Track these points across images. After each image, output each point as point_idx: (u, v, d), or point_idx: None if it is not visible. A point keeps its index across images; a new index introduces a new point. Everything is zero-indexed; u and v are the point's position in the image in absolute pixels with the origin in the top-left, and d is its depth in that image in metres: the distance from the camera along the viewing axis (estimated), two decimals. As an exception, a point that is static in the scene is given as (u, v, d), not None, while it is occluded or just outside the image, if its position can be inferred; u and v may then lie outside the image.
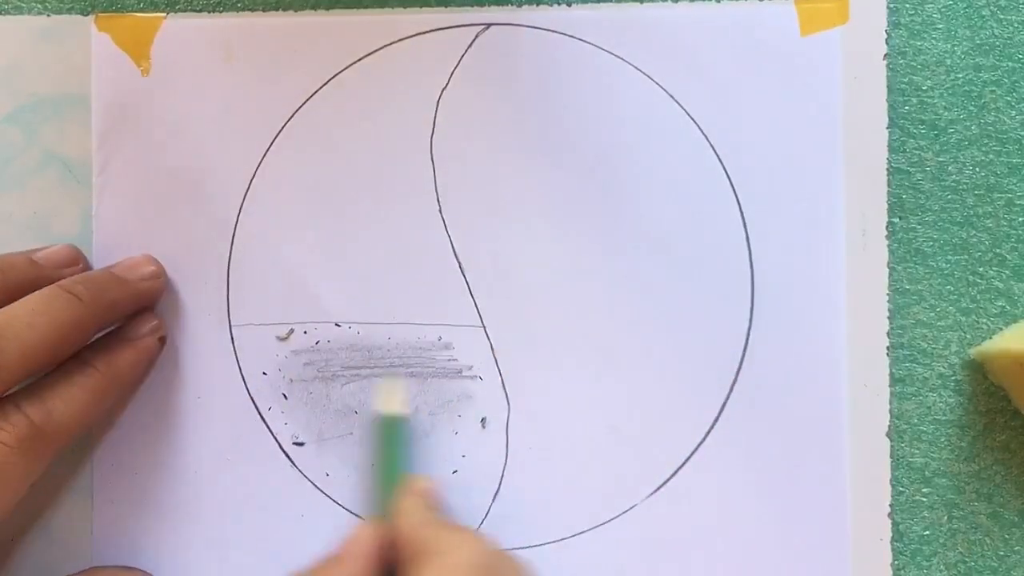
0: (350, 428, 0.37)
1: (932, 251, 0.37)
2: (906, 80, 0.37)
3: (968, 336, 0.37)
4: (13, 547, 0.37)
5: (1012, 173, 0.37)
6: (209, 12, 0.38)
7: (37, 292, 0.34)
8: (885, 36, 0.37)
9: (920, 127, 0.37)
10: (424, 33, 0.37)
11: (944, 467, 0.37)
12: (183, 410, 0.37)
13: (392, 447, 0.36)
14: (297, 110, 0.37)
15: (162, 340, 0.37)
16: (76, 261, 0.37)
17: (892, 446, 0.36)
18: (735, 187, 0.37)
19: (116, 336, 0.36)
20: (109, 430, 0.37)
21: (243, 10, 0.38)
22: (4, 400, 0.33)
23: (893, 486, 0.36)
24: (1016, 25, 0.37)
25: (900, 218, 0.37)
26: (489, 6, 0.37)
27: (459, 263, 0.37)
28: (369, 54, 0.37)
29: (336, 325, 0.37)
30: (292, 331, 0.37)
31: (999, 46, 0.37)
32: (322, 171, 0.37)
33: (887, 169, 0.37)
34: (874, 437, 0.36)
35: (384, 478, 0.36)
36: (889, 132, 0.37)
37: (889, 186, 0.37)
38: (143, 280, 0.37)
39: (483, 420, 0.37)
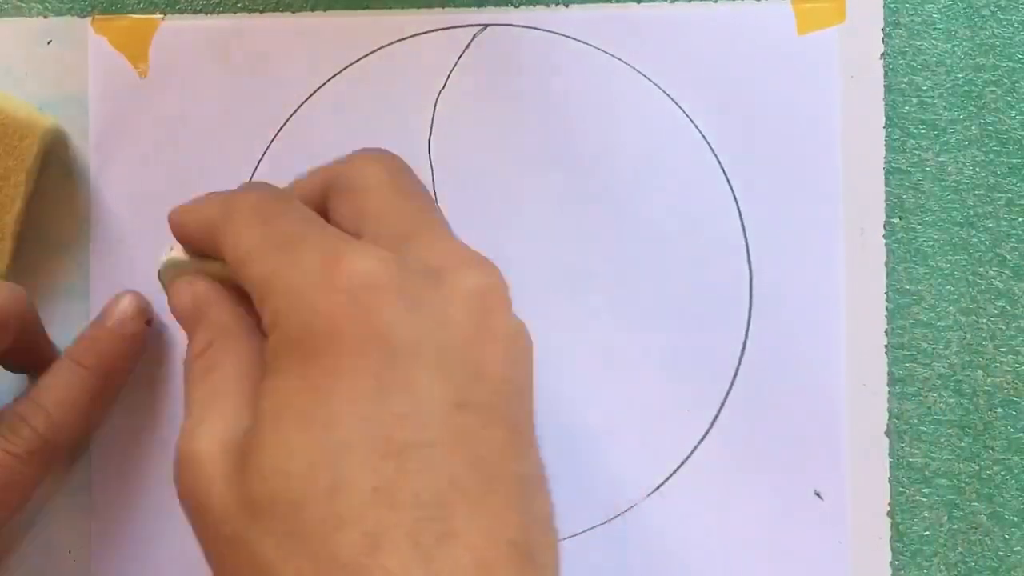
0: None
1: (932, 251, 0.37)
2: (906, 80, 0.37)
3: (968, 336, 0.37)
4: (12, 548, 0.37)
5: (1012, 173, 0.37)
6: (207, 13, 0.38)
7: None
8: (882, 35, 0.37)
9: (920, 127, 0.37)
10: (421, 34, 0.37)
11: (944, 467, 0.37)
12: (183, 411, 0.37)
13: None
14: (295, 111, 0.37)
15: (149, 323, 0.37)
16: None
17: (891, 446, 0.36)
18: (733, 186, 0.37)
19: (101, 327, 0.36)
20: (106, 429, 0.37)
21: (241, 11, 0.38)
22: (9, 412, 0.34)
23: (893, 486, 0.36)
24: (1016, 25, 0.37)
25: (900, 218, 0.37)
26: (486, 7, 0.37)
27: (458, 263, 0.37)
28: (366, 55, 0.37)
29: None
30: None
31: (999, 46, 0.37)
32: (320, 172, 0.37)
33: (885, 169, 0.37)
34: (873, 437, 0.36)
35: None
36: (889, 132, 0.37)
37: (889, 186, 0.37)
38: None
39: (482, 421, 0.37)
